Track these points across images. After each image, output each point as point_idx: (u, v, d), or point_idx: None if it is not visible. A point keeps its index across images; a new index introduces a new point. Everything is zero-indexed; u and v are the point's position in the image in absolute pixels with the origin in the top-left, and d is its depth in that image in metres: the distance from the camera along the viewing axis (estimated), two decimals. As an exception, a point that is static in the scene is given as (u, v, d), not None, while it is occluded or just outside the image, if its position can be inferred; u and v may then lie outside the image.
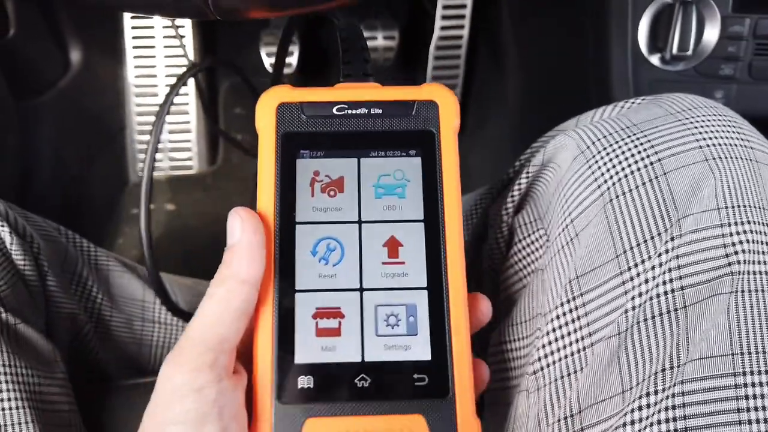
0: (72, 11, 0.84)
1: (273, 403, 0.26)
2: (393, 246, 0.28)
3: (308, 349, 0.26)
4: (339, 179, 0.28)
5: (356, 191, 0.28)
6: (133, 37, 0.89)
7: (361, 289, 0.27)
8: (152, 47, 0.89)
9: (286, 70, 0.90)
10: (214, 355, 0.24)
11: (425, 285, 0.27)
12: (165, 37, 0.89)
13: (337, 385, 0.26)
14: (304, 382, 0.26)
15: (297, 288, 0.27)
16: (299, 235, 0.27)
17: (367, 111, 0.29)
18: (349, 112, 0.29)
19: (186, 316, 0.47)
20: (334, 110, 0.29)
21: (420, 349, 0.27)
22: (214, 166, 0.92)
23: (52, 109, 0.84)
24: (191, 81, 0.89)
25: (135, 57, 0.89)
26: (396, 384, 0.26)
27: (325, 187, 0.28)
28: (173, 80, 0.90)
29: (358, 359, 0.27)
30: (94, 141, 0.89)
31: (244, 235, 0.26)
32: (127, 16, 0.88)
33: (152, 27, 0.88)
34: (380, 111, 0.29)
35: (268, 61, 0.89)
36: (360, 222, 0.28)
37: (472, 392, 0.27)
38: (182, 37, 0.86)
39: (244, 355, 0.27)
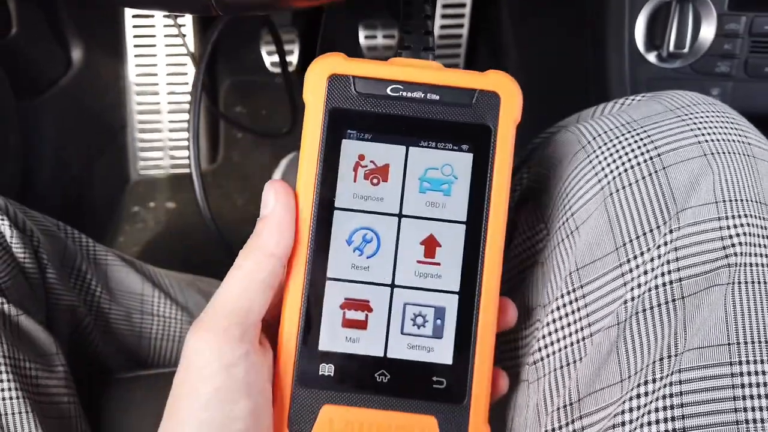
0: (73, 10, 0.84)
1: (293, 386, 0.26)
2: (430, 245, 0.27)
3: (333, 338, 0.27)
4: (384, 167, 0.27)
5: (401, 182, 0.27)
6: (134, 36, 0.89)
7: (393, 285, 0.27)
8: (153, 46, 0.89)
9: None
10: (241, 328, 0.25)
11: (457, 290, 0.27)
12: (166, 35, 0.89)
13: (356, 377, 0.27)
14: (325, 369, 0.26)
15: (329, 276, 0.27)
16: (336, 222, 0.27)
17: (423, 95, 0.27)
18: (404, 94, 0.27)
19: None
20: (388, 90, 0.27)
21: (443, 353, 0.27)
22: (214, 164, 0.92)
23: (54, 108, 0.84)
24: (192, 80, 0.89)
25: (136, 56, 0.90)
26: (414, 383, 0.27)
27: (368, 174, 0.27)
28: (174, 79, 0.90)
29: (381, 354, 0.27)
30: (96, 139, 0.89)
31: (277, 208, 0.26)
32: (128, 15, 0.88)
33: (153, 26, 0.89)
34: (437, 97, 0.27)
35: (268, 60, 0.90)
36: (400, 215, 0.27)
37: (488, 401, 0.27)
38: (183, 36, 0.86)
39: (269, 330, 0.27)
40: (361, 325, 0.27)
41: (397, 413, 0.26)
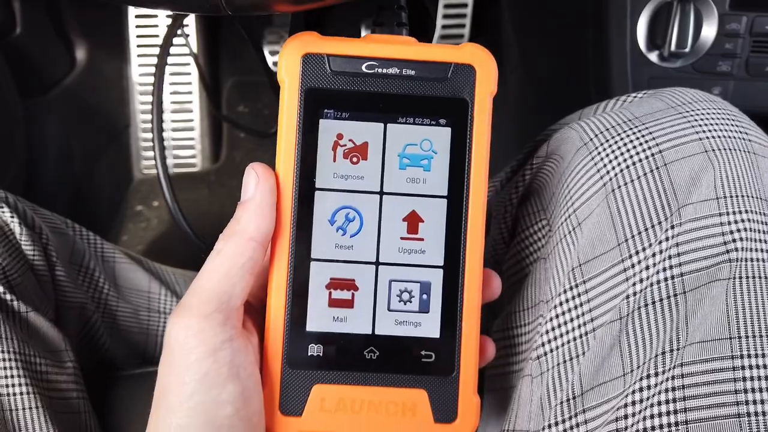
0: (77, 10, 0.85)
1: (282, 367, 0.26)
2: (413, 221, 0.27)
3: (320, 318, 0.27)
4: (363, 145, 0.27)
5: (380, 160, 0.27)
6: (138, 36, 0.89)
7: (377, 263, 0.27)
8: (156, 46, 0.90)
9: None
10: (224, 313, 0.25)
11: (441, 264, 0.27)
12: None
13: (345, 355, 0.27)
14: (314, 349, 0.27)
15: (313, 257, 0.27)
16: (318, 202, 0.27)
17: (399, 71, 0.27)
18: (380, 70, 0.27)
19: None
20: (364, 67, 0.27)
21: (430, 327, 0.27)
22: (217, 163, 0.93)
23: (57, 107, 0.84)
24: (195, 79, 0.90)
25: (139, 55, 0.90)
26: (403, 359, 0.27)
27: (347, 153, 0.27)
28: (177, 78, 0.90)
29: (369, 332, 0.27)
30: (99, 139, 0.90)
31: (258, 193, 0.26)
32: (131, 15, 0.89)
33: (156, 26, 0.89)
34: (413, 72, 0.27)
35: (271, 60, 0.90)
36: (381, 193, 0.27)
37: (476, 372, 0.27)
38: (187, 36, 0.86)
39: (252, 313, 0.27)
40: (348, 303, 0.27)
41: (387, 389, 0.27)
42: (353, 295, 0.27)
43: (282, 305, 0.27)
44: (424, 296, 0.27)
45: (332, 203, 0.27)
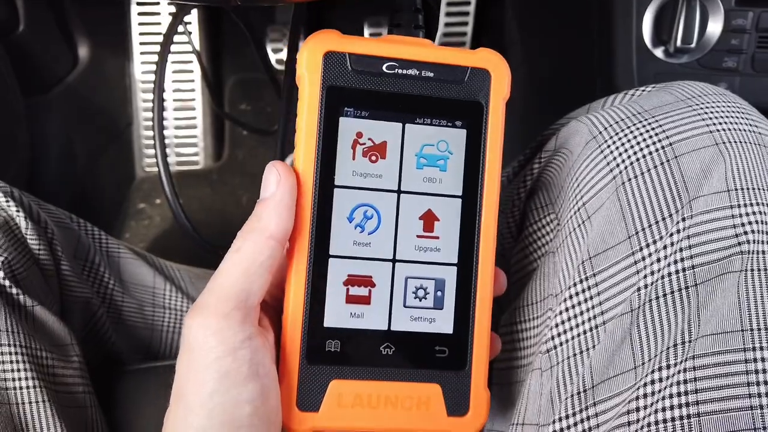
0: (80, 8, 0.85)
1: (300, 363, 0.27)
2: (429, 220, 0.28)
3: (337, 314, 0.27)
4: (382, 144, 0.27)
5: (398, 159, 0.27)
6: (140, 33, 0.89)
7: (394, 260, 0.28)
8: (159, 43, 0.90)
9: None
10: (243, 312, 0.25)
11: (456, 261, 0.28)
12: (172, 33, 0.89)
13: (362, 351, 0.27)
14: (332, 345, 0.27)
15: (331, 253, 0.27)
16: (337, 199, 0.27)
17: (417, 72, 0.27)
18: (399, 71, 0.27)
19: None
20: (384, 67, 0.27)
21: (444, 323, 0.28)
22: (220, 161, 0.93)
23: (60, 105, 0.84)
24: (197, 77, 0.89)
25: (142, 53, 0.90)
26: (418, 354, 0.27)
27: (366, 151, 0.27)
28: (180, 76, 0.90)
29: (385, 327, 0.27)
30: (101, 136, 0.90)
31: (279, 191, 0.26)
32: (134, 13, 0.89)
33: (159, 24, 0.89)
34: (431, 74, 0.27)
35: (274, 57, 0.90)
36: (399, 192, 0.28)
37: (487, 366, 0.28)
38: (189, 33, 0.86)
39: (269, 310, 0.27)
40: (365, 300, 0.27)
41: (402, 383, 0.27)
42: (370, 291, 0.27)
43: (300, 301, 0.27)
44: (439, 293, 0.28)
45: (351, 201, 0.27)
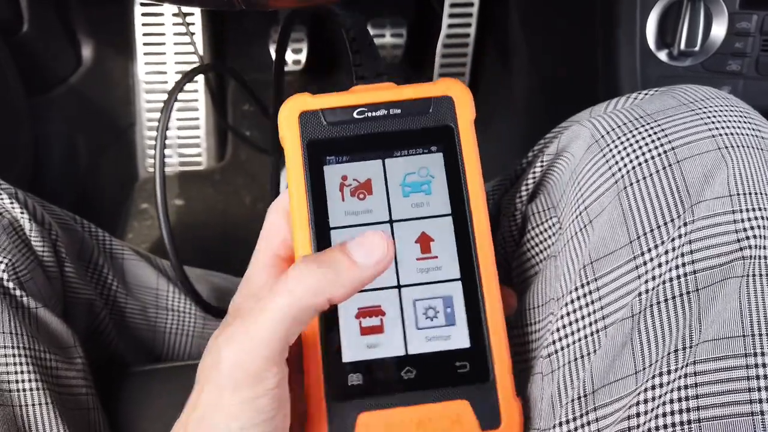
0: (84, 8, 0.85)
1: (326, 403, 0.27)
2: (425, 242, 0.29)
3: (354, 348, 0.27)
4: (367, 182, 0.29)
5: (384, 192, 0.29)
6: (144, 34, 0.90)
7: (399, 286, 0.28)
8: (162, 44, 0.90)
9: (295, 67, 0.91)
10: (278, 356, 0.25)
11: (458, 276, 0.28)
12: (175, 33, 0.90)
13: (385, 379, 0.27)
14: (354, 379, 0.27)
15: None
16: (335, 240, 0.28)
17: (386, 112, 0.29)
18: (369, 114, 0.29)
19: (213, 310, 0.48)
20: (355, 114, 0.29)
21: (459, 338, 0.28)
22: (222, 162, 0.93)
23: (63, 105, 0.85)
24: (200, 78, 0.90)
25: (145, 54, 0.90)
26: (440, 373, 0.28)
27: (354, 191, 0.29)
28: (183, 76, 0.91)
29: (402, 353, 0.28)
30: (104, 137, 0.90)
31: (373, 268, 0.26)
32: (138, 13, 0.89)
33: (162, 24, 0.89)
34: (399, 111, 0.29)
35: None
36: (391, 221, 0.29)
37: (511, 374, 0.28)
38: (192, 34, 0.86)
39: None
40: (378, 329, 0.28)
41: (430, 405, 0.27)
42: (382, 320, 0.28)
43: (316, 341, 0.27)
44: (449, 309, 0.28)
45: (347, 239, 0.28)
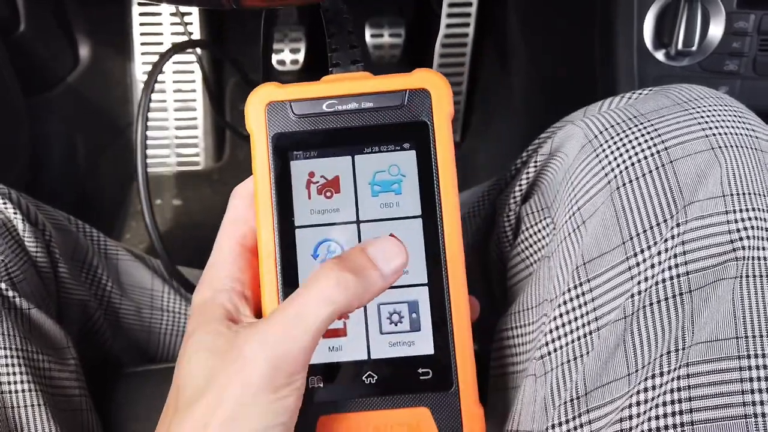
0: (81, 8, 0.85)
1: None
2: None
3: (316, 351, 0.26)
4: (334, 179, 0.28)
5: (352, 190, 0.28)
6: (141, 33, 0.90)
7: None
8: (160, 44, 0.90)
9: (293, 67, 0.91)
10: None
11: (426, 281, 0.28)
12: (173, 33, 0.90)
13: (345, 383, 0.27)
14: (314, 381, 0.27)
15: None
16: (299, 240, 0.28)
17: (357, 105, 0.28)
18: (339, 107, 0.28)
19: None
20: (324, 107, 0.28)
21: (423, 345, 0.27)
22: (220, 161, 0.93)
23: (61, 105, 0.85)
24: (198, 77, 0.89)
25: (143, 53, 0.90)
26: (402, 379, 0.27)
27: (321, 189, 0.28)
28: (181, 77, 0.91)
29: (365, 357, 0.27)
30: (102, 136, 0.90)
31: (391, 278, 0.26)
32: (135, 13, 0.89)
33: (160, 24, 0.89)
34: (371, 104, 0.28)
35: (275, 58, 0.90)
36: (358, 222, 0.28)
37: (475, 382, 0.27)
38: (190, 33, 0.86)
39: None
40: (341, 333, 0.27)
41: (390, 411, 0.27)
42: (345, 323, 0.27)
43: None
44: (414, 315, 0.28)
45: (313, 238, 0.28)
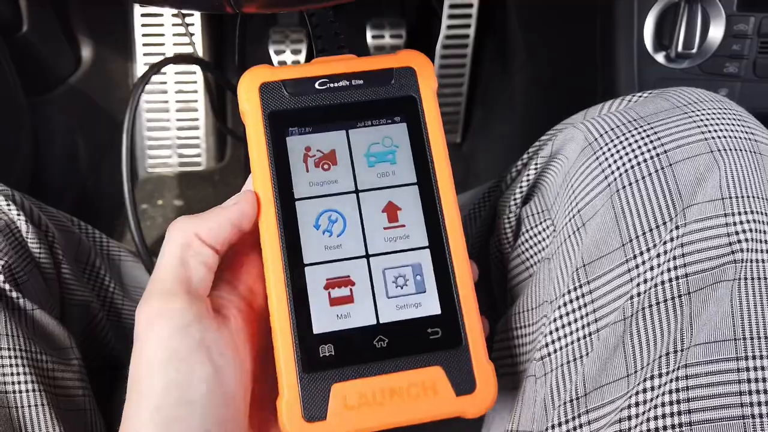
0: (84, 9, 0.85)
1: (298, 375, 0.27)
2: (392, 211, 0.29)
3: (325, 319, 0.27)
4: (331, 152, 0.29)
5: (349, 162, 0.29)
6: (143, 35, 0.90)
7: (367, 255, 0.28)
8: (162, 45, 0.90)
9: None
10: (186, 297, 0.26)
11: (427, 244, 0.29)
12: (174, 34, 0.90)
13: (357, 349, 0.27)
14: (325, 350, 0.27)
15: (305, 262, 0.28)
16: (300, 211, 0.28)
17: (348, 83, 0.29)
18: (331, 85, 0.29)
19: None
20: (317, 85, 0.29)
21: (430, 305, 0.28)
22: (222, 162, 0.93)
23: (63, 105, 0.85)
24: (200, 78, 0.90)
25: (145, 54, 0.90)
26: (412, 340, 0.28)
27: (318, 162, 0.29)
28: (183, 77, 0.91)
29: (374, 322, 0.28)
30: (104, 137, 0.90)
31: (233, 207, 0.28)
32: (137, 14, 0.89)
33: (162, 25, 0.89)
34: (361, 81, 0.29)
35: (276, 59, 0.90)
36: (357, 191, 0.29)
37: (483, 339, 0.28)
38: (192, 35, 0.86)
39: (231, 302, 0.28)
40: (348, 300, 0.28)
41: (404, 373, 0.27)
42: (351, 290, 0.28)
43: (286, 314, 0.27)
44: (418, 277, 0.28)
45: (314, 209, 0.28)
